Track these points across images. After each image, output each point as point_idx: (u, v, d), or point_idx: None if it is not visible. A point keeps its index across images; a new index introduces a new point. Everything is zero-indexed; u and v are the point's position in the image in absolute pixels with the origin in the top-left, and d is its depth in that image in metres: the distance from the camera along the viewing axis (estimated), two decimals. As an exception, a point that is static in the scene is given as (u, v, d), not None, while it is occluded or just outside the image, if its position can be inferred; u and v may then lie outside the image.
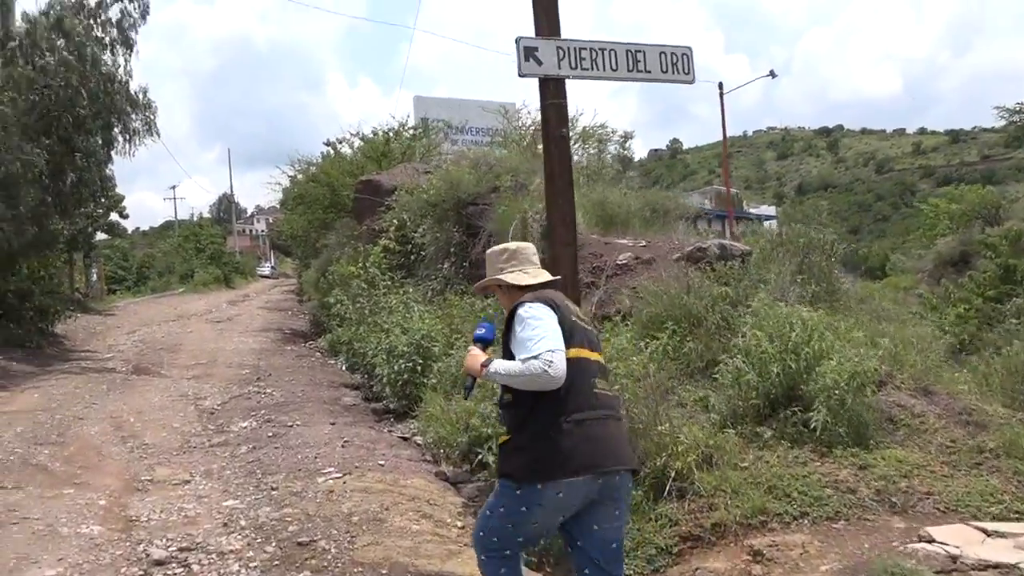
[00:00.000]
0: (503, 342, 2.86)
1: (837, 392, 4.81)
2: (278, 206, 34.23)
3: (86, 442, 6.82)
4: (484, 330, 2.99)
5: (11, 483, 5.49)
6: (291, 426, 7.29)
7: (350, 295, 11.92)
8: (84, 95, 11.20)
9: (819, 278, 7.22)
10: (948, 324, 13.66)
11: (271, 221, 76.82)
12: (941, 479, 4.51)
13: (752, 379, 5.06)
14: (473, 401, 5.71)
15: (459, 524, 4.90)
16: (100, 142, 12.75)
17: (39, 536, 4.47)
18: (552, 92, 6.28)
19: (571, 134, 17.45)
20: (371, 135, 20.06)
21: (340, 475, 5.57)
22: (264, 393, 9.08)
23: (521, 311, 2.75)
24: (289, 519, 4.72)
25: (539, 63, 6.20)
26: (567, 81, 6.33)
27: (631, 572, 4.09)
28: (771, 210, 42.56)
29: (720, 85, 26.85)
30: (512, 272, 3.02)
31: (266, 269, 64.05)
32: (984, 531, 3.89)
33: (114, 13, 12.45)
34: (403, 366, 7.85)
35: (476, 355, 2.84)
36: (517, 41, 6.16)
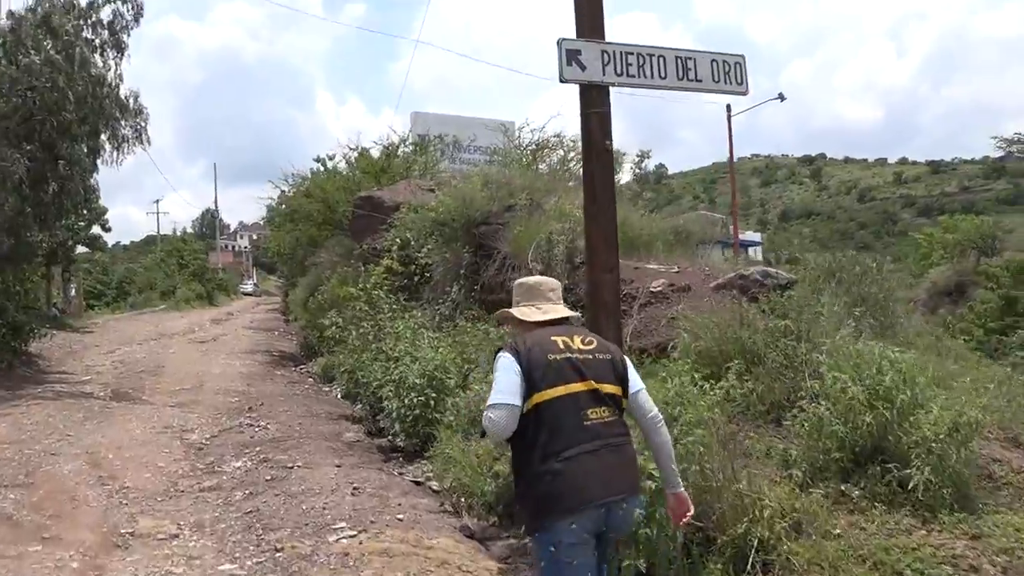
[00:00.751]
0: None
1: (936, 445, 4.16)
2: (262, 223, 33.47)
3: (58, 484, 6.01)
4: None
5: (-33, 538, 4.69)
6: (291, 467, 6.52)
7: (347, 318, 11.20)
8: (71, 98, 10.39)
9: (875, 311, 6.63)
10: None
11: (255, 237, 76.00)
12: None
13: (839, 429, 4.39)
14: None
15: (499, 597, 4.18)
16: (85, 150, 11.94)
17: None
18: (595, 100, 5.66)
19: (575, 154, 16.99)
20: (371, 147, 19.46)
21: (354, 532, 4.82)
22: (257, 426, 8.28)
23: (496, 360, 2.83)
24: (300, 592, 3.97)
25: (582, 68, 5.59)
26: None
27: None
28: (756, 236, 42.10)
29: (728, 107, 27.18)
30: (524, 307, 3.06)
31: (249, 286, 63.80)
32: None
33: (106, 14, 11.74)
34: (415, 400, 7.11)
35: None
36: (559, 43, 5.56)
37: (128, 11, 11.93)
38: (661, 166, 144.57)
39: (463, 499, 5.79)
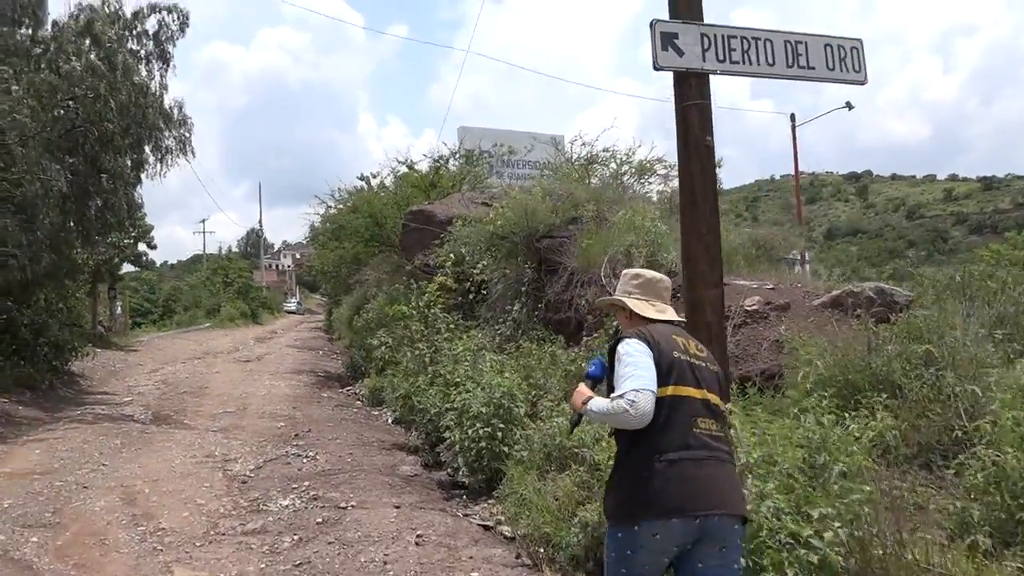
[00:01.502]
0: (607, 378, 2.74)
1: None
2: (305, 242, 33.30)
3: (87, 524, 5.38)
4: (595, 367, 2.84)
5: (-20, 593, 4.07)
6: (344, 507, 5.79)
7: (398, 338, 10.54)
8: (113, 107, 9.97)
9: (1016, 332, 5.70)
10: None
11: (298, 256, 76.75)
12: None
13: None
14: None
15: None
16: (129, 163, 11.55)
17: None
18: (694, 91, 4.92)
19: (627, 168, 16.17)
20: (419, 161, 19.00)
21: (424, 595, 4.07)
22: (305, 456, 7.59)
23: (620, 347, 2.65)
24: None
25: (679, 53, 4.88)
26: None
27: None
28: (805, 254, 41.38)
29: (792, 116, 26.81)
30: (639, 301, 2.91)
31: (292, 305, 65.36)
32: None
33: (151, 24, 11.40)
34: (480, 431, 6.35)
35: (582, 391, 2.74)
36: (652, 25, 4.88)
37: (174, 21, 11.60)
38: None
39: (542, 550, 5.00)
